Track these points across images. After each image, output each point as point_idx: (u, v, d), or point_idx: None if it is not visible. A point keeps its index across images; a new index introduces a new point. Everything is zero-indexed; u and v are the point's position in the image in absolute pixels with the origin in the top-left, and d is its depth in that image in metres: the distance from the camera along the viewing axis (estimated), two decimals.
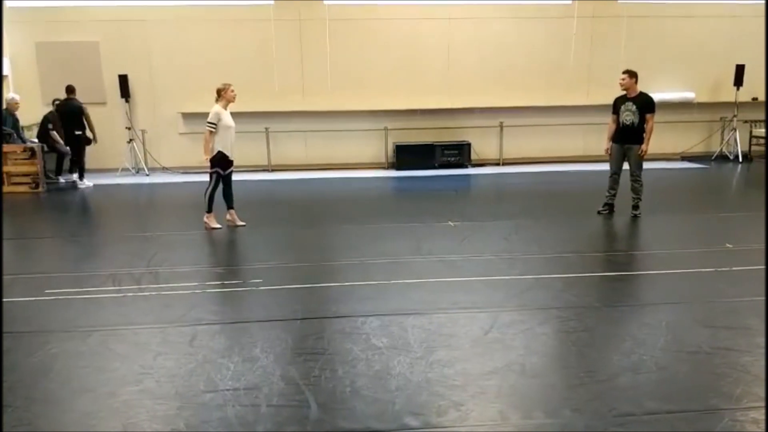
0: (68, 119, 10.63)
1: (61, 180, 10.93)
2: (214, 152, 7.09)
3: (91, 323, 4.39)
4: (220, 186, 7.25)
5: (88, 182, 10.71)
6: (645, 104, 7.33)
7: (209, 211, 7.24)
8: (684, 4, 12.17)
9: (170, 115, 11.86)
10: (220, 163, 7.14)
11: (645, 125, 7.34)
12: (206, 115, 7.07)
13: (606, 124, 7.81)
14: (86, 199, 9.92)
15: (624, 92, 7.47)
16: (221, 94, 7.08)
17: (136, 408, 3.23)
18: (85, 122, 10.70)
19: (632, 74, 7.38)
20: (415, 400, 3.27)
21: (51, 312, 4.66)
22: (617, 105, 7.53)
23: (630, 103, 7.37)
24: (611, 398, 3.27)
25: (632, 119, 7.34)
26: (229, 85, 7.13)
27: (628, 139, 7.45)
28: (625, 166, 7.61)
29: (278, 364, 3.70)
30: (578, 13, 12.09)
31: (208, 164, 7.15)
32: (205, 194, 7.22)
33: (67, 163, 10.98)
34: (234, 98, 7.16)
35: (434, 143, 12.11)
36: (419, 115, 12.24)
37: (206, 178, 7.34)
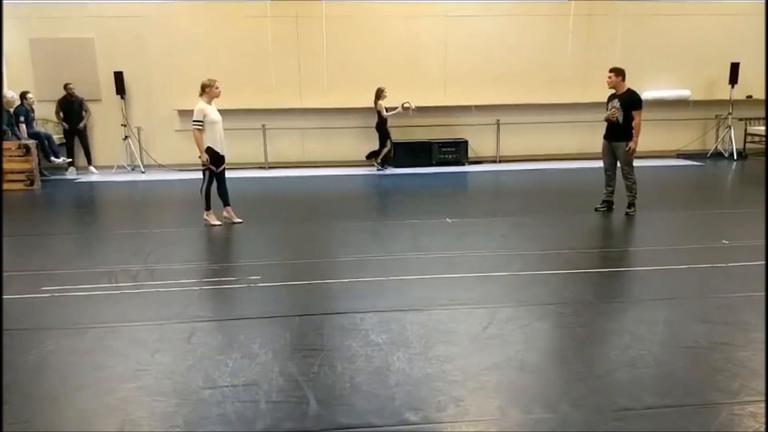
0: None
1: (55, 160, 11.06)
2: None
3: (88, 320, 4.38)
4: (215, 183, 7.21)
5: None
6: (629, 102, 7.35)
7: (207, 208, 7.22)
8: (679, 2, 12.16)
9: (166, 112, 11.79)
10: (211, 160, 7.06)
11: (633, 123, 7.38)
12: None
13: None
14: (82, 196, 9.89)
15: (613, 90, 7.51)
16: (206, 89, 6.98)
17: (134, 405, 3.22)
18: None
19: (618, 72, 7.40)
20: (414, 396, 3.27)
21: (47, 309, 4.64)
22: (608, 103, 7.60)
23: (616, 101, 7.43)
24: (610, 393, 3.28)
25: (617, 116, 7.39)
26: (215, 81, 7.02)
27: (613, 136, 7.52)
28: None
29: (277, 361, 3.69)
30: (575, 11, 12.09)
31: (204, 162, 7.07)
32: (201, 192, 7.21)
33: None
34: (219, 95, 7.09)
35: (431, 141, 12.09)
36: (416, 113, 12.23)
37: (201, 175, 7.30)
